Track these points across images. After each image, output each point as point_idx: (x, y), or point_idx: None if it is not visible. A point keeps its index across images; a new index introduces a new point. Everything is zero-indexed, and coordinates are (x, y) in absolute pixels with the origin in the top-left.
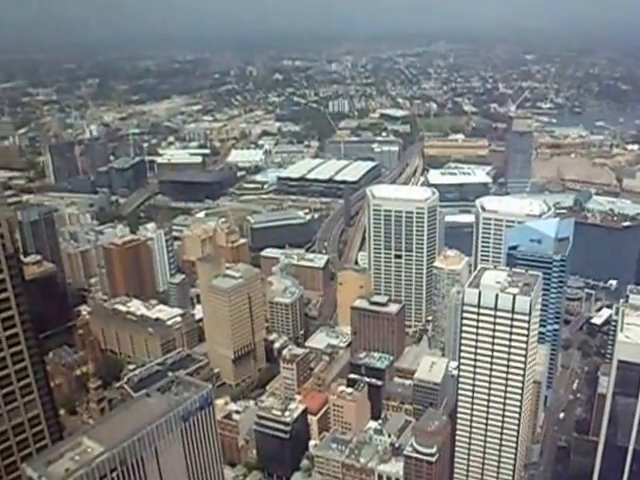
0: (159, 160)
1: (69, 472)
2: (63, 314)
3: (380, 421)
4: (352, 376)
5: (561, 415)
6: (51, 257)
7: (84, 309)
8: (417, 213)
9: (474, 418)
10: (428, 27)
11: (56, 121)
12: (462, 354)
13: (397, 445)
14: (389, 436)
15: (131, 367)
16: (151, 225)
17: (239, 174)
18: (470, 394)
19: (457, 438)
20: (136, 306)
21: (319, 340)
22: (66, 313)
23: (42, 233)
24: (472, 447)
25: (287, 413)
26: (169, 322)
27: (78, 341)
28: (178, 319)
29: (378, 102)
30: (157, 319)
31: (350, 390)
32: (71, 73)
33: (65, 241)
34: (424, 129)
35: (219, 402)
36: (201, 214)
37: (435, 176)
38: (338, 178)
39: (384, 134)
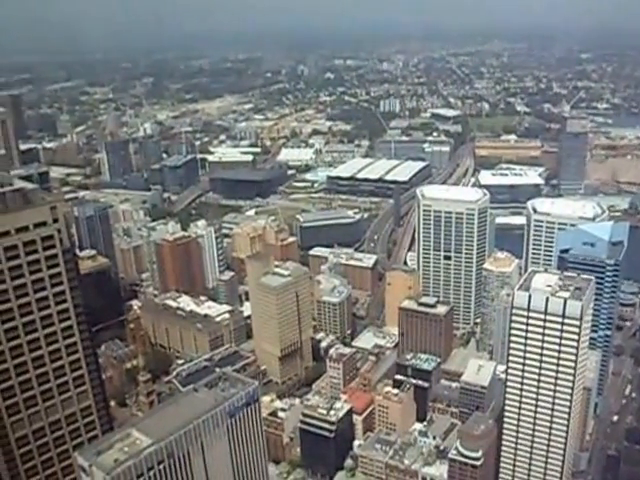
0: (210, 158)
1: (118, 462)
2: (115, 308)
3: (425, 423)
4: (398, 377)
5: (611, 423)
6: (105, 252)
7: (135, 304)
8: (467, 214)
9: (521, 423)
10: (482, 26)
11: (112, 119)
12: (510, 358)
13: (442, 448)
14: (434, 438)
15: (180, 362)
16: (202, 222)
17: (289, 173)
18: (518, 398)
19: (503, 443)
20: (186, 302)
21: (366, 340)
22: (118, 307)
23: (97, 228)
24: (518, 453)
25: (332, 412)
26: (218, 318)
27: (129, 335)
28: (226, 316)
29: (429, 102)
30: (206, 315)
31: (396, 391)
32: (127, 72)
33: (119, 237)
34: (476, 129)
35: (265, 399)
36: (251, 212)
37: (486, 177)
38: (388, 178)
39: (435, 134)
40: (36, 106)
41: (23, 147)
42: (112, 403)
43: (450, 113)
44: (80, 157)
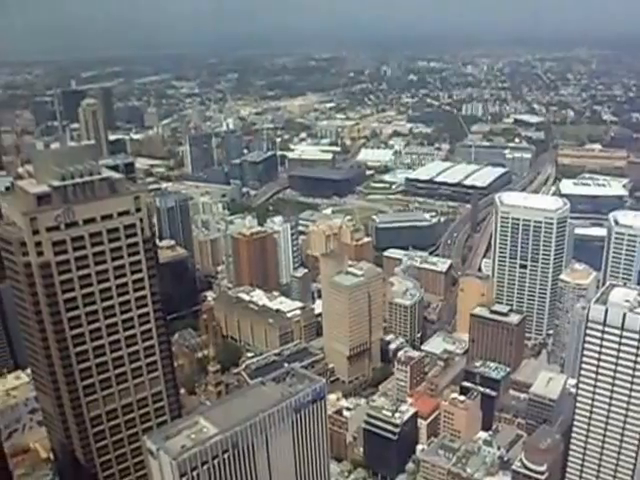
0: (290, 155)
1: (184, 449)
2: (190, 298)
3: (491, 432)
4: (466, 384)
5: None
6: (184, 243)
7: (210, 295)
8: (546, 223)
9: (589, 440)
10: (570, 32)
11: (196, 113)
12: (582, 372)
13: (506, 459)
14: (498, 449)
15: (249, 355)
16: (278, 218)
17: (368, 173)
18: (587, 414)
19: (570, 459)
20: (259, 296)
21: (435, 345)
22: (193, 297)
23: (177, 219)
24: (585, 470)
25: (397, 415)
26: (289, 314)
27: (202, 325)
28: (298, 312)
29: (513, 107)
30: (278, 310)
31: (463, 398)
32: (213, 68)
33: (197, 228)
34: (559, 137)
35: (331, 397)
36: (328, 210)
37: (567, 186)
38: (467, 183)
39: (517, 140)
40: (125, 98)
41: (111, 138)
42: (182, 390)
43: (533, 119)
44: (164, 149)
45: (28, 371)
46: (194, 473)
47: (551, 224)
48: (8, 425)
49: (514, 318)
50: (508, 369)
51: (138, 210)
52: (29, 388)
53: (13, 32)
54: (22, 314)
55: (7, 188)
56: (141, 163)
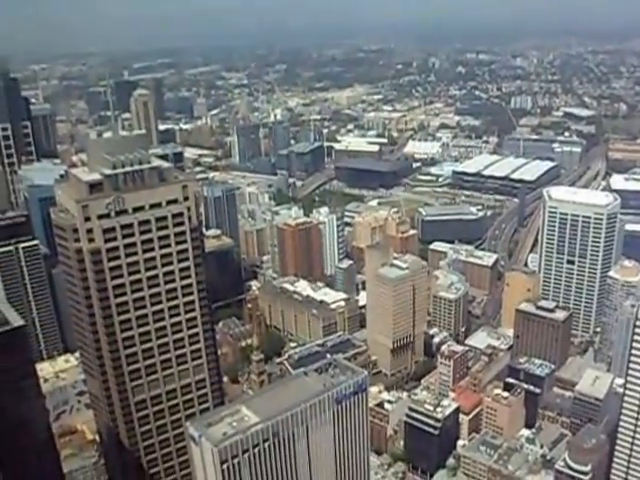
0: (337, 146)
1: (226, 436)
2: (235, 287)
3: (534, 430)
4: (509, 380)
5: None
6: (230, 232)
7: (254, 285)
8: (595, 219)
9: (636, 441)
10: (623, 24)
11: (245, 104)
12: (630, 372)
13: (549, 457)
14: (541, 447)
15: (292, 345)
16: (324, 209)
17: (414, 165)
18: (635, 415)
19: (615, 460)
20: (303, 287)
21: (479, 339)
22: (238, 287)
23: (224, 209)
24: (630, 472)
25: (439, 409)
26: (333, 305)
27: (246, 314)
28: (342, 303)
29: (563, 100)
30: (322, 301)
31: (506, 394)
32: (262, 59)
33: (243, 218)
34: (610, 131)
35: (373, 390)
36: (374, 202)
37: (618, 181)
38: (515, 176)
39: (566, 134)
40: (175, 89)
41: (161, 127)
42: (225, 379)
43: (584, 113)
44: (213, 139)
45: (77, 354)
46: (235, 461)
47: (600, 220)
48: (57, 406)
49: (560, 314)
50: (553, 366)
51: (186, 199)
52: (78, 371)
53: (68, 24)
54: (73, 299)
55: (61, 176)
56: (190, 153)
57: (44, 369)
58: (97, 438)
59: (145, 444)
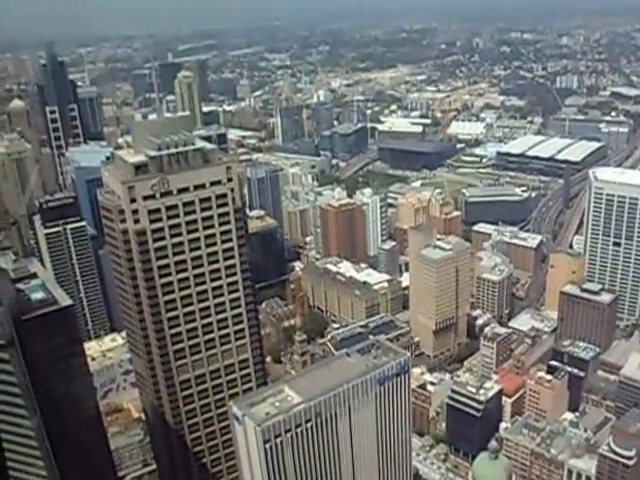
0: (380, 127)
1: (269, 416)
2: (278, 268)
3: (577, 414)
4: (553, 363)
5: None
6: (273, 213)
7: (298, 265)
8: None
9: None
10: None
11: (288, 85)
12: None
13: (592, 441)
14: (585, 431)
15: (335, 326)
16: (367, 190)
17: (458, 146)
18: None
19: None
20: (346, 268)
21: (523, 322)
22: (281, 267)
23: (267, 190)
24: None
25: (482, 391)
26: (376, 287)
27: (289, 295)
28: (385, 285)
29: (609, 79)
30: (365, 282)
31: (549, 377)
32: (304, 40)
33: (287, 199)
34: None
35: (415, 371)
36: (417, 183)
37: None
38: (560, 157)
39: (613, 114)
40: (219, 71)
41: (205, 109)
42: (268, 359)
43: (632, 92)
44: (256, 121)
45: (123, 334)
46: (277, 440)
47: None
48: (104, 384)
49: (606, 297)
50: (598, 349)
51: (229, 180)
52: (124, 350)
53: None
54: (119, 279)
55: (108, 158)
56: (233, 134)
57: (91, 348)
58: (143, 416)
59: (189, 423)
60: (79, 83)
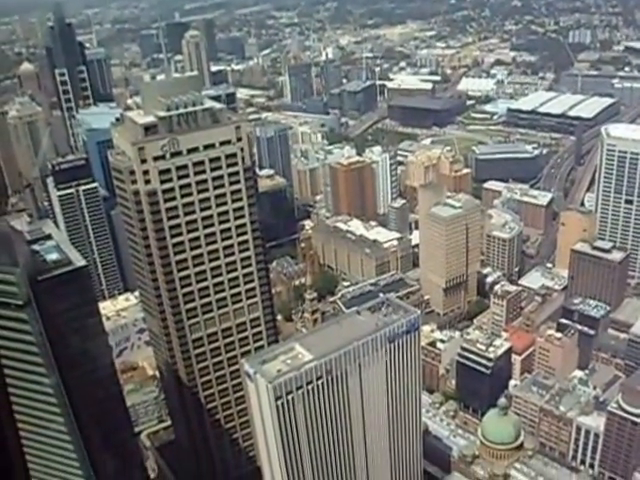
0: (389, 85)
1: (280, 373)
2: (288, 227)
3: (587, 371)
4: (563, 321)
5: None
6: (283, 172)
7: (308, 224)
8: None
9: None
10: None
11: (296, 43)
12: None
13: (601, 399)
14: (594, 388)
15: (345, 284)
16: (377, 148)
17: (468, 103)
18: None
19: None
20: (356, 226)
21: (533, 280)
22: (291, 226)
23: (276, 149)
24: None
25: (491, 349)
26: (386, 245)
27: (299, 254)
28: (395, 243)
29: (624, 34)
30: (375, 241)
31: (559, 335)
32: None
33: (296, 158)
34: None
35: (425, 329)
36: (427, 141)
37: None
38: (572, 113)
39: (627, 69)
40: (226, 30)
41: (213, 69)
42: (279, 317)
43: None
44: (264, 79)
45: (137, 293)
46: (289, 397)
47: None
48: (119, 343)
49: (617, 255)
50: (608, 307)
51: (239, 140)
52: (137, 309)
53: None
54: (131, 240)
55: (117, 119)
56: (242, 93)
57: (106, 308)
58: (157, 374)
59: (202, 380)
60: (87, 45)
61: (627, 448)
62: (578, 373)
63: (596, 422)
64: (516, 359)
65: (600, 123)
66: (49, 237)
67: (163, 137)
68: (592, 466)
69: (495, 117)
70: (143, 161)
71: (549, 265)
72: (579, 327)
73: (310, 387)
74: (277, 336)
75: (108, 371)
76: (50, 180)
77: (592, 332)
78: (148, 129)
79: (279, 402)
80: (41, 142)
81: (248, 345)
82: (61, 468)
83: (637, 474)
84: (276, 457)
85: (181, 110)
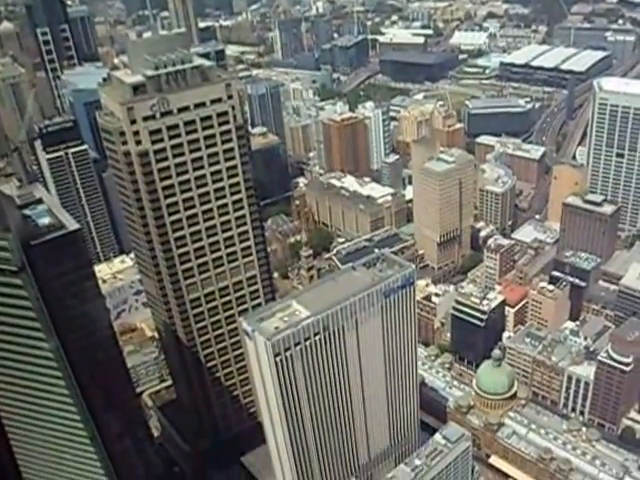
0: (381, 39)
1: (278, 330)
2: (282, 185)
3: (578, 323)
4: (555, 273)
5: None
6: (275, 130)
7: (301, 181)
8: None
9: None
10: None
11: None
12: None
13: (592, 349)
14: (585, 339)
15: (340, 240)
16: (369, 104)
17: (461, 57)
18: None
19: None
20: (350, 182)
21: (526, 233)
22: (285, 184)
23: (268, 106)
24: None
25: (485, 302)
26: (380, 200)
27: (294, 211)
28: (389, 198)
29: None
30: (369, 196)
31: (551, 287)
32: None
33: (288, 115)
34: None
35: (420, 283)
36: (419, 96)
37: None
38: (564, 67)
39: (620, 22)
40: None
41: (201, 25)
42: (275, 275)
43: None
44: (254, 35)
45: (132, 255)
46: (287, 353)
47: None
48: (116, 306)
49: (608, 208)
50: (599, 260)
51: (230, 97)
52: (133, 271)
53: None
54: (124, 201)
55: (104, 79)
56: (231, 50)
57: (102, 270)
58: (156, 335)
59: (201, 339)
60: (68, 2)
61: (616, 395)
62: (569, 324)
63: (586, 371)
64: (509, 311)
65: (592, 77)
66: (40, 201)
67: (152, 97)
68: (582, 413)
69: (488, 71)
70: (133, 122)
71: (541, 218)
72: (570, 279)
73: (308, 343)
74: (274, 294)
75: (107, 333)
76: (38, 143)
77: (583, 284)
78: (137, 89)
79: (278, 359)
80: (26, 104)
81: (245, 303)
82: (65, 430)
83: (625, 420)
84: (276, 412)
85: (170, 68)
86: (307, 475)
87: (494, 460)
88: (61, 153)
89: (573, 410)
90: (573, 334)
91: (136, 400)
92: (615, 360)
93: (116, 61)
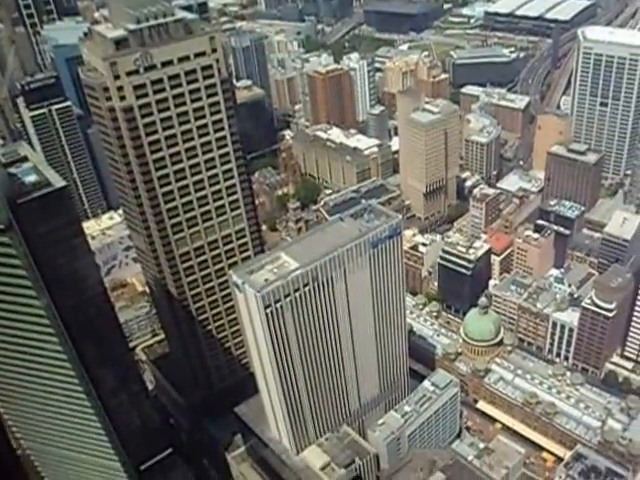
0: None
1: (268, 282)
2: (269, 138)
3: (562, 270)
4: (540, 222)
5: None
6: (260, 83)
7: (288, 134)
8: (631, 59)
9: None
10: None
11: None
12: None
13: (576, 296)
14: (569, 286)
15: (327, 192)
16: (354, 55)
17: (445, 7)
18: None
19: (639, 297)
20: (336, 134)
21: (511, 182)
22: (271, 137)
23: (253, 59)
24: None
25: (471, 251)
26: (366, 152)
27: (281, 164)
28: (375, 149)
29: None
30: (355, 148)
31: (536, 235)
32: None
33: (273, 68)
34: None
35: (407, 233)
36: (404, 46)
37: None
38: (549, 16)
39: None
40: None
41: None
42: (263, 227)
43: None
44: None
45: (120, 211)
46: (277, 305)
47: (636, 61)
48: (106, 262)
49: (592, 157)
50: (583, 208)
51: (214, 51)
52: (122, 227)
53: None
54: (111, 157)
55: (85, 34)
56: (214, 2)
57: (90, 227)
58: (147, 290)
59: (192, 293)
60: None
61: (599, 341)
62: (554, 272)
63: (571, 317)
64: (495, 260)
65: (577, 25)
66: (25, 159)
67: (135, 51)
68: (567, 358)
69: (472, 21)
70: (116, 77)
71: (526, 167)
72: (555, 227)
73: (297, 294)
74: (263, 246)
75: (98, 289)
76: (20, 100)
77: (567, 232)
78: (119, 43)
79: (268, 310)
80: (6, 60)
81: (235, 257)
82: (61, 386)
83: (608, 364)
84: (268, 363)
85: (152, 22)
86: (299, 423)
87: (481, 405)
88: (44, 110)
89: (558, 355)
90: (558, 281)
91: (130, 354)
92: (599, 306)
93: (96, 15)
